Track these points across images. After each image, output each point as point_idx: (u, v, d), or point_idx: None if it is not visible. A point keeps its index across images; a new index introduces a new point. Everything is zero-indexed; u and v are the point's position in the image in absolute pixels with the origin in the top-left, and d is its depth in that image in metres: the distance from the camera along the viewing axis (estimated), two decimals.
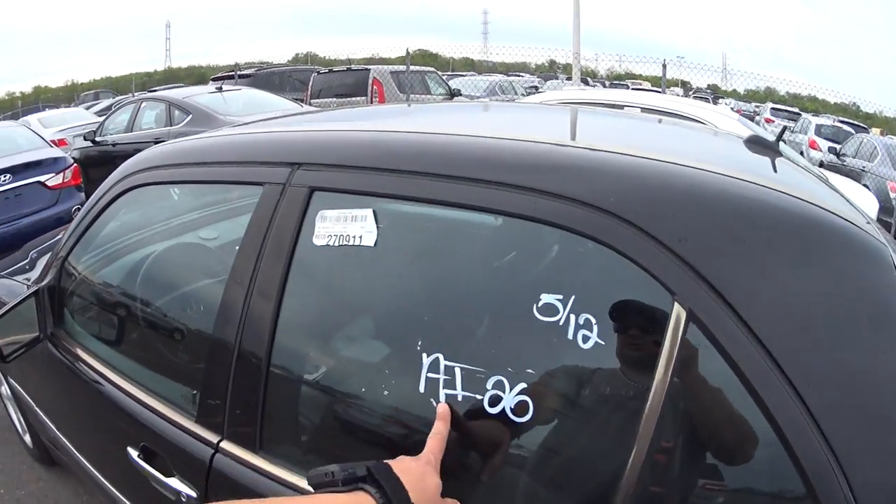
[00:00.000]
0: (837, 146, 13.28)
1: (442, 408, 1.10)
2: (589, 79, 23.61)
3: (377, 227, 1.25)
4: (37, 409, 2.50)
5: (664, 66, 10.85)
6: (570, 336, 1.06)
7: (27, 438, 3.13)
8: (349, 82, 12.92)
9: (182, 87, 14.97)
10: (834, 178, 6.02)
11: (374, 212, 1.26)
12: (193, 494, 1.50)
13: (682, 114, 4.37)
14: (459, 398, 1.12)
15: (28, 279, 2.57)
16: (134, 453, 1.66)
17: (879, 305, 0.99)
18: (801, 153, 14.69)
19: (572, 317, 1.06)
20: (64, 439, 2.29)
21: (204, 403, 1.48)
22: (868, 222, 1.22)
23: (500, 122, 1.78)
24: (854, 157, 11.80)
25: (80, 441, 2.18)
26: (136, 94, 18.38)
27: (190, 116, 8.10)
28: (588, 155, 1.18)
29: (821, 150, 14.53)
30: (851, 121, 20.12)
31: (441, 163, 1.23)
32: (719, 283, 0.99)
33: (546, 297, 1.07)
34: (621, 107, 4.52)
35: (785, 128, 1.75)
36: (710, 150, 1.62)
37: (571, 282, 1.11)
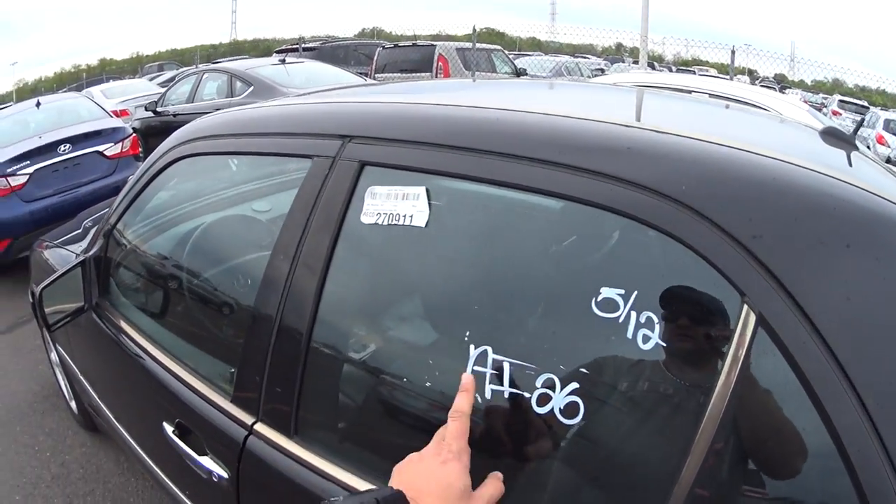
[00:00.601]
0: None
1: (466, 378, 1.02)
2: (655, 63, 23.14)
3: (429, 206, 1.18)
4: (81, 377, 2.51)
5: (733, 52, 10.49)
6: (630, 335, 0.97)
7: (73, 405, 3.17)
8: (414, 58, 12.85)
9: (246, 59, 15.05)
10: None
11: (428, 190, 1.19)
12: (225, 475, 1.46)
13: (751, 102, 4.19)
14: (506, 395, 1.04)
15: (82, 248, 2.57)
16: (169, 429, 1.62)
17: None
18: (868, 147, 14.32)
19: (633, 314, 0.97)
20: (105, 408, 2.29)
21: (241, 383, 1.44)
22: None
23: (563, 101, 1.68)
24: None
25: (119, 411, 2.17)
26: (199, 65, 18.56)
27: (251, 88, 8.11)
28: (657, 138, 1.09)
29: (889, 146, 14.08)
30: None
31: (500, 140, 1.15)
32: (794, 287, 0.89)
33: (606, 292, 0.99)
34: (689, 92, 4.36)
35: (862, 120, 1.61)
36: (786, 140, 1.50)
37: (634, 276, 1.02)
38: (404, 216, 1.19)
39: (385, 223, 1.21)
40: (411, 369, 1.22)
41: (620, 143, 1.08)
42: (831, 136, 1.41)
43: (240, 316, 1.52)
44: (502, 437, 1.04)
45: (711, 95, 4.21)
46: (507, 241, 1.19)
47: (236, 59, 15.32)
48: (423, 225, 1.17)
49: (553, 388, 1.01)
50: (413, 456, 0.97)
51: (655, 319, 0.96)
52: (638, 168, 1.02)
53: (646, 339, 0.96)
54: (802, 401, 0.88)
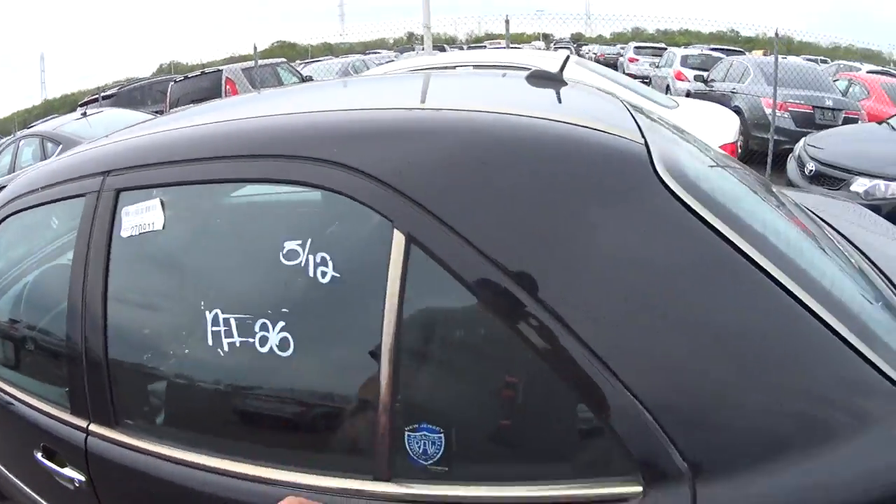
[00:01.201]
0: (706, 74, 13.26)
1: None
2: (445, 45, 23.51)
3: (164, 212, 1.43)
4: None
5: (507, 22, 11.05)
6: (311, 274, 1.24)
7: None
8: (205, 86, 12.96)
9: (56, 118, 15.04)
10: (692, 104, 6.62)
11: (161, 200, 1.44)
12: (83, 478, 1.68)
13: (514, 64, 4.56)
14: (237, 344, 1.30)
15: None
16: (39, 455, 1.84)
17: (599, 206, 1.18)
18: (668, 87, 14.85)
19: (311, 257, 1.24)
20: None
21: (73, 395, 1.67)
22: (640, 129, 1.39)
23: (286, 102, 1.96)
24: (724, 81, 11.86)
25: (8, 462, 2.36)
26: (16, 133, 18.50)
27: (60, 146, 8.50)
28: (317, 118, 1.37)
29: (688, 80, 14.42)
30: (728, 47, 20.72)
31: (205, 148, 1.42)
32: (434, 206, 1.17)
33: (289, 244, 1.26)
34: (453, 67, 4.71)
35: (568, 57, 1.91)
36: (485, 91, 1.79)
37: (308, 227, 1.30)
38: (148, 224, 1.45)
39: (138, 234, 1.47)
40: (175, 344, 1.48)
41: (286, 129, 1.36)
42: (538, 77, 1.71)
43: (63, 344, 1.76)
44: (242, 376, 1.30)
45: (476, 66, 4.56)
46: (222, 224, 1.47)
47: (48, 120, 15.24)
48: (161, 228, 1.43)
49: (268, 329, 1.27)
50: None
51: (328, 258, 1.23)
52: (299, 145, 1.30)
53: (324, 274, 1.23)
54: (464, 297, 1.15)
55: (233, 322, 1.30)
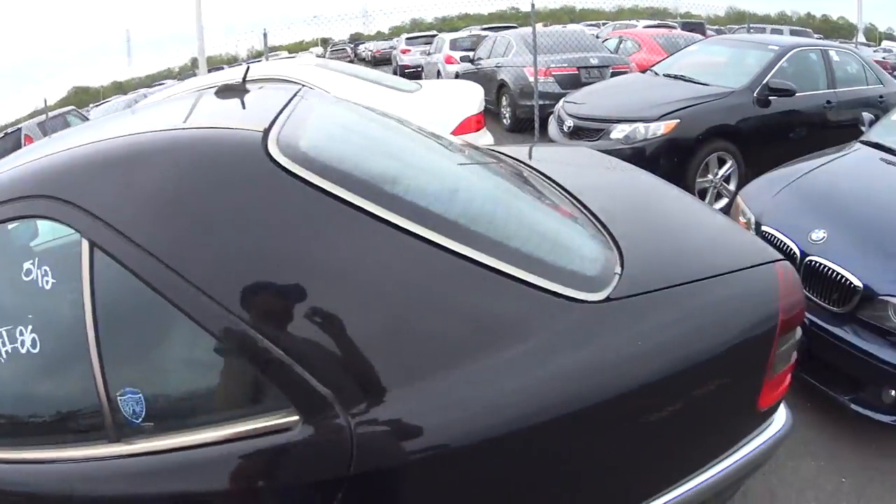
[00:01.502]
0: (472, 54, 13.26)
1: None
2: (224, 65, 23.28)
3: None
4: None
5: (265, 35, 11.38)
6: (41, 284, 1.56)
7: None
8: (9, 146, 13.08)
9: None
10: (434, 85, 7.06)
11: None
12: None
13: (267, 77, 4.95)
14: (9, 350, 1.61)
15: None
16: None
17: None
18: (438, 72, 15.09)
19: (38, 271, 1.56)
20: None
21: None
22: (275, 118, 1.72)
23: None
24: (489, 58, 12.01)
25: None
26: None
27: None
28: (31, 166, 1.69)
29: (457, 63, 14.14)
30: (502, 24, 20.98)
31: None
32: (105, 214, 1.49)
33: (25, 265, 1.59)
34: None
35: (248, 67, 2.20)
36: (157, 116, 2.12)
37: (36, 249, 1.63)
38: None
39: None
40: None
41: (14, 176, 1.69)
42: (222, 90, 2.02)
43: None
44: (16, 376, 1.62)
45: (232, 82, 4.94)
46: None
47: None
48: None
49: (24, 334, 1.59)
50: None
51: (49, 270, 1.55)
52: (22, 187, 1.62)
53: (47, 282, 1.55)
54: (136, 281, 1.45)
55: (4, 333, 1.63)
